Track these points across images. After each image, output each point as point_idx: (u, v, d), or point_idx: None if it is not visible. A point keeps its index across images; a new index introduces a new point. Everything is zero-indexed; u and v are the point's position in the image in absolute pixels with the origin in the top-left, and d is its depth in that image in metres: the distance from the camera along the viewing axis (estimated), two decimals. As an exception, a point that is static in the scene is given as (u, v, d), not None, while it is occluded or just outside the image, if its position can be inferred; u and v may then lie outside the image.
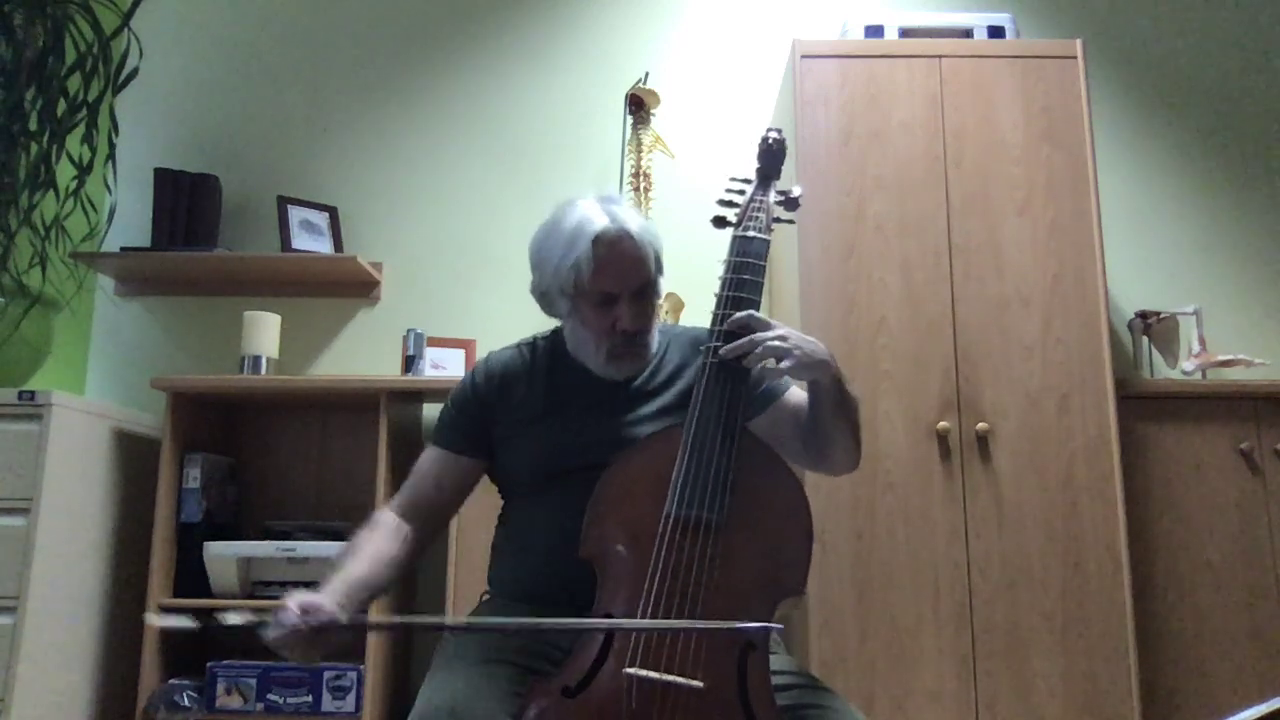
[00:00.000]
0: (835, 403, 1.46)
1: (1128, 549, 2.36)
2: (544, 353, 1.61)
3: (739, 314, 1.41)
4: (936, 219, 2.53)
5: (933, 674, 2.32)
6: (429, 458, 1.57)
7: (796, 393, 1.60)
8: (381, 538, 1.48)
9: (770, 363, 1.38)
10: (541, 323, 1.69)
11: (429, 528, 1.55)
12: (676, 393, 1.56)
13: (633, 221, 1.49)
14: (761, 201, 1.57)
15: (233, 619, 1.27)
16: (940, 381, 2.45)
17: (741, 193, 1.60)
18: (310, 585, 2.50)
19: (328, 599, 1.30)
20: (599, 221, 1.47)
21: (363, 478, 2.78)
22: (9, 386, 2.45)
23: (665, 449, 1.36)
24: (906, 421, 2.42)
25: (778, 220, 1.58)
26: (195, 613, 1.30)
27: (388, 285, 3.09)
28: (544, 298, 1.56)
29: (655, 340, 1.58)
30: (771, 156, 1.63)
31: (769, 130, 1.65)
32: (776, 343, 1.37)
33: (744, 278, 1.47)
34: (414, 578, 2.86)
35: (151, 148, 3.14)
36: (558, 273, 1.49)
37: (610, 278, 1.48)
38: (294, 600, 1.27)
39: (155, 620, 1.28)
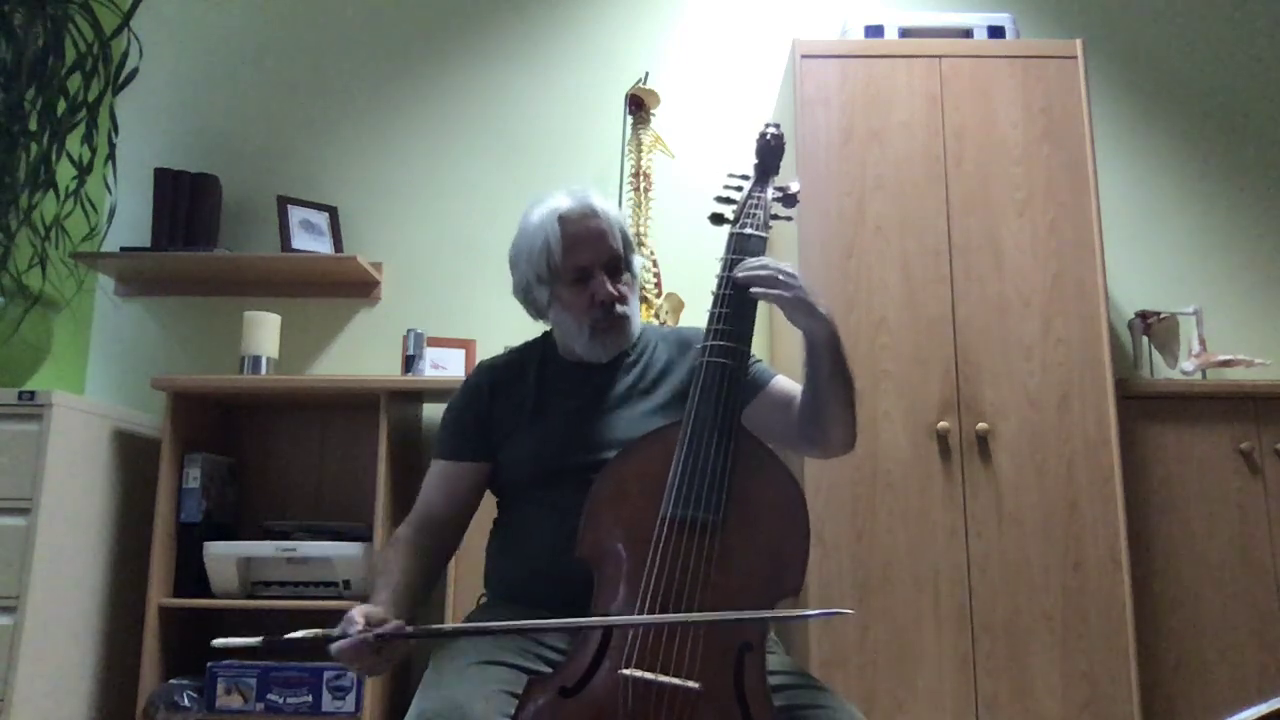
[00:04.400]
0: (833, 365, 1.45)
1: (1128, 549, 2.36)
2: (535, 355, 1.64)
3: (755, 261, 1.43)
4: (936, 219, 2.52)
5: (933, 674, 2.31)
6: (435, 473, 1.59)
7: (784, 380, 1.62)
8: (406, 556, 1.48)
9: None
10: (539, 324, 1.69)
11: (446, 541, 1.57)
12: (666, 391, 1.57)
13: (596, 200, 1.57)
14: (759, 198, 1.56)
15: (294, 636, 1.24)
16: (940, 381, 2.44)
17: (739, 189, 1.59)
18: (310, 585, 2.54)
19: (386, 611, 1.30)
20: (562, 204, 1.55)
21: (363, 478, 2.78)
22: (9, 386, 2.45)
23: (661, 449, 1.36)
24: (906, 421, 2.42)
25: (775, 217, 1.57)
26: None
27: (388, 285, 3.09)
28: (525, 294, 1.61)
29: (637, 320, 1.61)
30: (770, 152, 1.62)
31: (767, 125, 1.63)
32: (785, 277, 1.39)
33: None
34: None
35: (151, 148, 3.14)
36: (530, 259, 1.55)
37: (580, 252, 1.54)
38: (358, 612, 1.27)
39: (219, 641, 1.26)
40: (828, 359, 1.44)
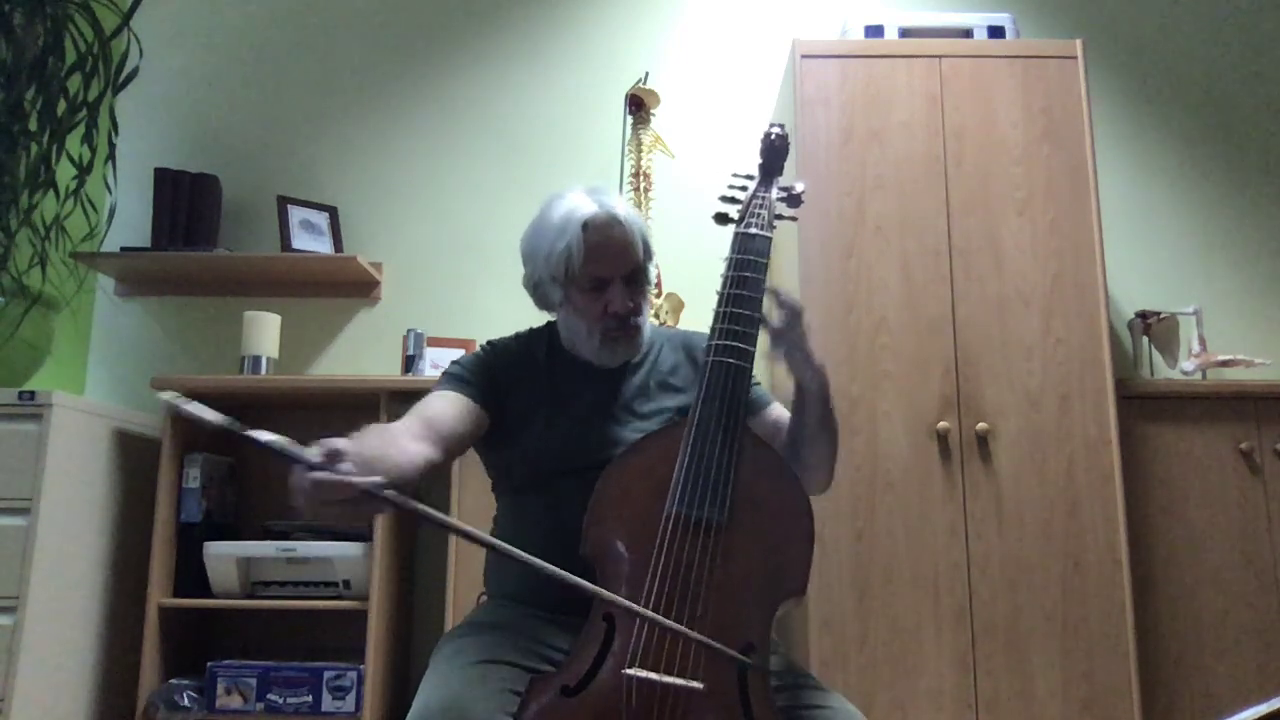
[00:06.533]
0: (821, 416, 1.47)
1: (1128, 549, 2.36)
2: (541, 348, 1.63)
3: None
4: (936, 219, 2.53)
5: (933, 674, 2.32)
6: (440, 397, 1.49)
7: (778, 408, 1.62)
8: (398, 434, 1.37)
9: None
10: (541, 322, 1.68)
11: (436, 451, 1.41)
12: (671, 393, 1.57)
13: (620, 207, 1.53)
14: (764, 198, 1.56)
15: (263, 436, 1.06)
16: (940, 381, 2.45)
17: (744, 189, 1.59)
18: (310, 585, 2.53)
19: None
20: (587, 209, 1.51)
21: (363, 478, 2.77)
22: (9, 386, 2.45)
23: (666, 448, 1.36)
24: (906, 421, 2.42)
25: (780, 217, 1.57)
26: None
27: (388, 285, 3.09)
28: (536, 289, 1.59)
29: (647, 327, 1.60)
30: (774, 152, 1.62)
31: (772, 125, 1.64)
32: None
33: (746, 275, 1.47)
34: (414, 578, 2.86)
35: (151, 148, 3.13)
36: (549, 261, 1.52)
37: (601, 262, 1.51)
38: (350, 448, 1.11)
39: (175, 399, 1.08)
40: (817, 410, 1.46)
